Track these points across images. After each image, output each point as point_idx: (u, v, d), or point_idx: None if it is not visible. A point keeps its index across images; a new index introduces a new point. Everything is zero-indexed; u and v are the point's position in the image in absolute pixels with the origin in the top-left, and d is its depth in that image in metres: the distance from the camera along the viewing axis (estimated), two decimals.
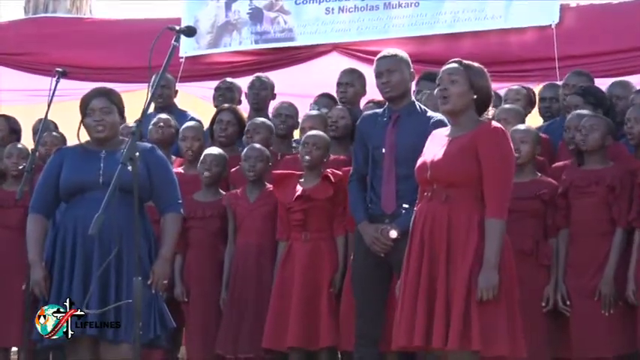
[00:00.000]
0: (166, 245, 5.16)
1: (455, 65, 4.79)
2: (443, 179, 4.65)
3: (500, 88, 7.30)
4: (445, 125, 5.07)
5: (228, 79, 7.73)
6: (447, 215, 4.61)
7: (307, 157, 6.05)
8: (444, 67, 4.82)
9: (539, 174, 5.81)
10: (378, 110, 5.65)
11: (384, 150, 5.39)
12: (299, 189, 6.05)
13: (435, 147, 4.78)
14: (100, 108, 5.18)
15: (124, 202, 4.62)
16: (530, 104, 7.00)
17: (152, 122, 6.88)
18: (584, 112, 5.93)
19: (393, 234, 5.30)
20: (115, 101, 5.25)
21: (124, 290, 4.93)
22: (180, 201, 5.27)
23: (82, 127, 5.26)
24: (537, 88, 7.58)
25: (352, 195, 5.58)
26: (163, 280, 5.10)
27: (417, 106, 5.53)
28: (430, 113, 5.47)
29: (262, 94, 7.38)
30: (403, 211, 5.28)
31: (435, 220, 4.63)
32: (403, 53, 5.62)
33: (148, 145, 5.36)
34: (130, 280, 4.79)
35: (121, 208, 4.60)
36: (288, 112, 6.87)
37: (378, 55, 5.58)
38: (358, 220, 5.48)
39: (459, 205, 4.61)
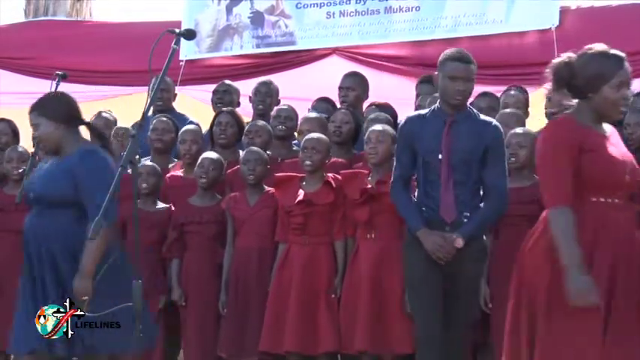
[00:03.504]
0: (84, 259, 4.81)
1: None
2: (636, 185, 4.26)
3: (499, 91, 7.32)
4: (501, 130, 5.06)
5: (226, 82, 7.73)
6: None
7: (308, 162, 6.05)
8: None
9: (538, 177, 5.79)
10: (422, 112, 5.43)
11: (440, 155, 5.20)
12: (300, 193, 6.05)
13: (618, 147, 4.34)
14: (32, 125, 5.14)
15: (52, 214, 4.68)
16: (527, 108, 7.05)
17: (151, 127, 6.87)
18: None
19: (460, 243, 5.16)
20: (44, 111, 5.05)
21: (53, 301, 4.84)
22: (105, 208, 4.89)
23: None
24: (538, 92, 7.58)
25: (402, 201, 5.37)
26: (83, 297, 4.71)
27: (470, 110, 5.36)
28: (483, 117, 5.34)
29: (268, 100, 7.37)
30: (464, 219, 5.17)
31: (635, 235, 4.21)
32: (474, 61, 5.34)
33: (90, 147, 5.11)
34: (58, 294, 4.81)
35: (49, 221, 4.68)
36: (287, 114, 6.86)
37: (457, 56, 5.25)
38: (416, 227, 5.23)
39: None
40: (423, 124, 5.29)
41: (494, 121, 5.23)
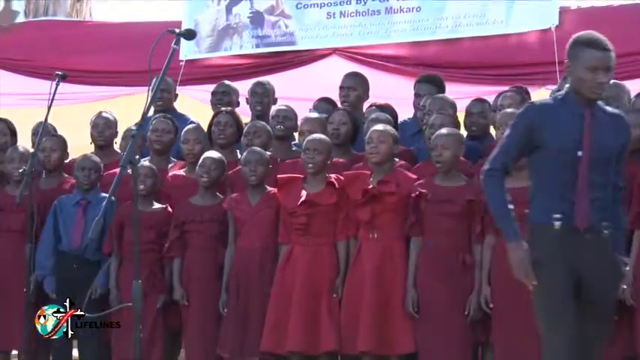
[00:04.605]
0: None
1: None
2: None
3: (500, 91, 7.32)
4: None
5: (225, 82, 7.71)
6: None
7: (310, 164, 6.04)
8: None
9: None
10: (546, 100, 4.71)
11: (580, 153, 4.47)
12: (303, 194, 6.05)
13: None
14: None
15: None
16: None
17: (150, 128, 6.86)
18: None
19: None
20: None
21: None
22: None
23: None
24: (538, 92, 7.58)
25: (500, 199, 4.56)
26: None
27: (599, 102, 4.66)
28: (610, 109, 4.67)
29: (265, 100, 7.35)
30: (604, 230, 4.50)
31: None
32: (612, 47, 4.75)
33: None
34: None
35: None
36: (286, 114, 6.83)
37: (597, 43, 4.50)
38: (513, 238, 4.50)
39: None
40: (551, 113, 4.53)
41: (623, 114, 4.71)
